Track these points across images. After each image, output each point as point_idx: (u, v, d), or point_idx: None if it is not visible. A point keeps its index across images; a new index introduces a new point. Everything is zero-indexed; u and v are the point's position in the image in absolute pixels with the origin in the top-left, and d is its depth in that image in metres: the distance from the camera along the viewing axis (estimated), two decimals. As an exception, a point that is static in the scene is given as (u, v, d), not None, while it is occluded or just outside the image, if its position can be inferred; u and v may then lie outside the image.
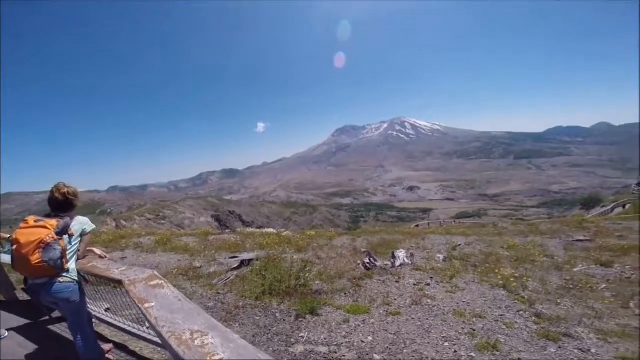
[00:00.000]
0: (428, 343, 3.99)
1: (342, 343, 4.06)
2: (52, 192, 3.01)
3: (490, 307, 5.00)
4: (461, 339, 4.07)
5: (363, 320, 4.64)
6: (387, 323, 4.55)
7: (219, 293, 5.87)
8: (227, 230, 18.31)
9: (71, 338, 3.27)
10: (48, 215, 2.99)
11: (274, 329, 4.48)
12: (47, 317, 4.59)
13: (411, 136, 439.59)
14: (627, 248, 8.53)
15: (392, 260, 7.46)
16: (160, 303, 2.16)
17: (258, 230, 17.63)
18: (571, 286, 5.85)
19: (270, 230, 18.10)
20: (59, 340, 4.10)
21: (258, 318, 4.82)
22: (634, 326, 4.29)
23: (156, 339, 3.30)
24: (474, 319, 4.60)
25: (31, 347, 3.89)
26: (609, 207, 32.43)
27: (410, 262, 7.48)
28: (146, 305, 2.16)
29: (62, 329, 4.30)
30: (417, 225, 30.68)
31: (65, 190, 3.01)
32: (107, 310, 4.21)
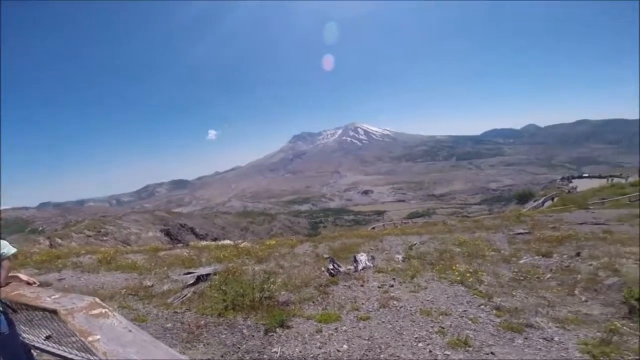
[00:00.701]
0: (403, 345, 4.00)
1: (318, 354, 3.93)
2: None
3: (453, 304, 5.19)
4: (433, 337, 4.14)
5: (335, 329, 4.54)
6: (360, 329, 4.50)
7: (176, 312, 5.40)
8: (179, 245, 17.15)
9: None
10: None
11: (244, 346, 4.20)
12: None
13: (364, 141, 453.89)
14: (560, 238, 9.50)
15: (354, 264, 7.48)
16: (107, 335, 1.85)
17: (213, 242, 16.76)
18: (521, 277, 6.31)
19: (227, 242, 17.33)
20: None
21: (224, 336, 4.48)
22: (584, 312, 4.72)
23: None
24: (441, 316, 4.73)
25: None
26: (540, 201, 36.22)
27: (372, 265, 7.56)
28: (90, 338, 1.83)
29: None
30: (373, 228, 31.50)
31: None
32: (47, 338, 3.56)
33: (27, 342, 3.20)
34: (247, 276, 6.59)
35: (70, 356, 3.26)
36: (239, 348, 4.16)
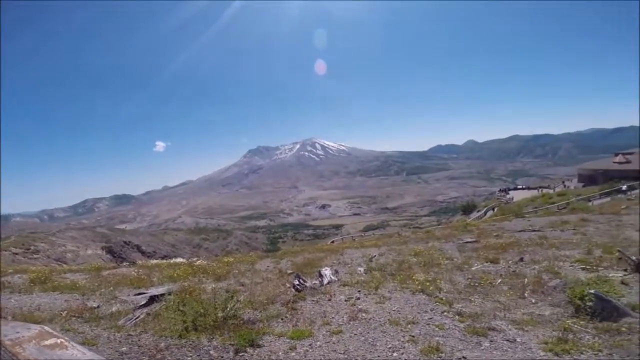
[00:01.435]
0: (378, 356, 4.00)
1: None
2: None
3: (418, 312, 5.34)
4: (406, 346, 4.19)
5: (310, 345, 4.41)
6: (334, 343, 4.42)
7: (130, 335, 4.88)
8: (124, 264, 15.72)
9: None
10: None
11: None
12: None
13: (321, 156, 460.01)
14: (504, 245, 10.33)
15: (319, 279, 7.43)
16: None
17: (164, 261, 15.66)
18: (475, 284, 6.71)
19: (179, 259, 16.29)
20: None
21: (190, 359, 4.12)
22: (537, 314, 5.10)
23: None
24: (409, 325, 4.83)
25: None
26: (483, 211, 39.22)
27: (336, 279, 7.57)
28: None
29: None
30: (332, 242, 31.69)
31: None
32: None
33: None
34: (207, 295, 6.20)
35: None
36: (209, 371, 3.85)
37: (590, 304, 4.65)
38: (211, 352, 4.27)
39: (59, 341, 1.83)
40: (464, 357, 3.86)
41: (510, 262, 8.30)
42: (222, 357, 4.15)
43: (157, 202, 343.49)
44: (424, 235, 16.00)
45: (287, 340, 4.56)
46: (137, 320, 5.55)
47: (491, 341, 4.26)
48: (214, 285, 7.77)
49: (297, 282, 7.03)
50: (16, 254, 35.65)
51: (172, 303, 5.77)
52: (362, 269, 8.63)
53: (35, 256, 35.90)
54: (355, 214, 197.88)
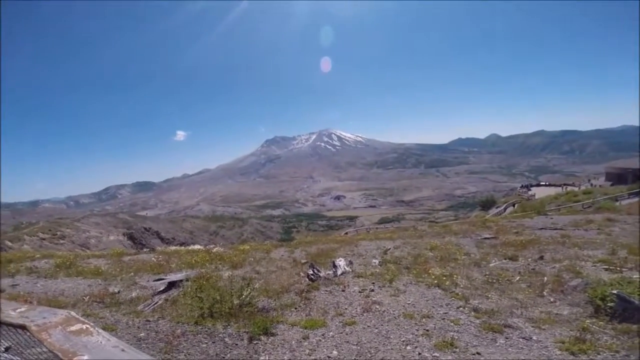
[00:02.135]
0: (392, 349, 4.01)
1: None
2: None
3: (433, 307, 5.29)
4: (420, 340, 4.19)
5: (322, 335, 4.45)
6: (347, 334, 4.45)
7: (148, 321, 5.06)
8: (144, 250, 16.29)
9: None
10: None
11: (228, 355, 3.99)
12: None
13: (337, 147, 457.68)
14: (524, 242, 10.03)
15: (333, 269, 7.46)
16: (96, 355, 1.63)
17: (182, 247, 16.11)
18: (492, 280, 6.57)
19: (197, 246, 16.72)
20: None
21: (205, 345, 4.23)
22: (554, 312, 4.97)
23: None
24: (424, 319, 4.80)
25: None
26: (502, 207, 38.20)
27: (350, 270, 7.58)
28: (76, 359, 1.61)
29: None
30: (346, 233, 31.72)
31: None
32: (7, 350, 3.17)
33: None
34: (223, 282, 6.34)
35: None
36: (223, 358, 3.96)
37: (611, 304, 4.51)
38: (226, 339, 4.37)
39: (84, 327, 1.89)
40: (478, 353, 3.82)
41: (529, 259, 8.07)
42: (236, 344, 4.24)
43: (177, 190, 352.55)
44: (440, 230, 15.75)
45: (300, 330, 4.62)
46: (155, 306, 5.76)
47: (507, 338, 4.20)
48: (230, 273, 7.94)
49: (311, 272, 7.09)
50: (43, 239, 37.58)
51: (189, 289, 5.94)
52: (376, 261, 8.61)
53: (61, 241, 37.76)
54: (370, 206, 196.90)
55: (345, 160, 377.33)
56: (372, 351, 3.98)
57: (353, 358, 3.85)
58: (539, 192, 46.56)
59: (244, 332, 4.51)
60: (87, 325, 1.92)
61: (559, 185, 53.01)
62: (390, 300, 5.66)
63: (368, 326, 4.68)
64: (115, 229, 57.70)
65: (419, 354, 3.86)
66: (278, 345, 4.20)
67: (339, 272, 7.28)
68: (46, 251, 17.22)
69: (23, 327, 1.99)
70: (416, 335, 4.33)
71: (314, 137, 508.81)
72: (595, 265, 7.18)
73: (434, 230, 16.48)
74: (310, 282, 6.72)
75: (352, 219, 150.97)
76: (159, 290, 6.69)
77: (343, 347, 4.13)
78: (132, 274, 8.50)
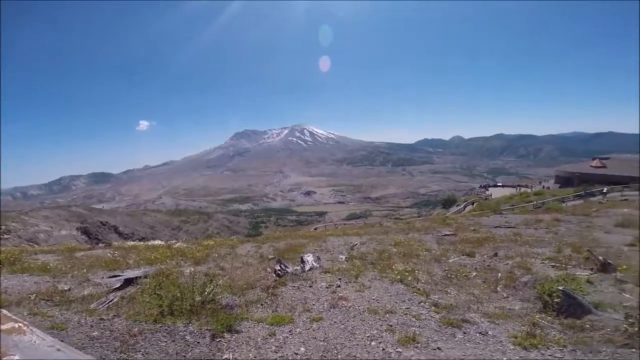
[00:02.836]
0: (357, 345, 4.05)
1: (275, 359, 3.78)
2: None
3: (396, 302, 5.45)
4: (383, 336, 4.27)
5: (290, 331, 4.42)
6: (314, 330, 4.46)
7: (102, 319, 4.76)
8: (100, 245, 15.29)
9: None
10: None
11: (189, 354, 3.84)
12: None
13: (309, 143, 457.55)
14: (481, 240, 10.62)
15: (301, 265, 7.45)
16: (28, 356, 1.49)
17: (142, 243, 15.35)
18: (451, 276, 6.89)
19: (158, 242, 16.01)
20: None
21: (164, 344, 4.04)
22: (507, 308, 5.29)
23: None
24: (387, 315, 4.92)
25: None
26: (462, 206, 40.30)
27: (318, 266, 7.60)
28: (6, 359, 1.46)
29: None
30: (315, 228, 31.90)
31: None
32: None
33: None
34: (184, 279, 6.11)
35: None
36: (184, 356, 3.80)
37: (557, 300, 4.85)
38: (187, 337, 4.21)
39: (16, 325, 1.72)
40: (438, 348, 3.97)
41: (485, 256, 8.55)
42: (198, 342, 4.09)
43: (137, 182, 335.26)
44: (404, 226, 16.28)
45: (267, 326, 4.56)
46: (110, 303, 5.43)
47: (464, 333, 4.39)
48: (192, 269, 7.67)
49: (279, 268, 7.03)
50: (-16, 233, 34.20)
51: (147, 286, 5.67)
52: (343, 257, 8.72)
53: (5, 236, 34.53)
54: (339, 202, 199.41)
55: (317, 156, 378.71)
56: (339, 347, 4.01)
57: (320, 354, 3.86)
58: (496, 193, 49.65)
59: (207, 329, 4.36)
60: (20, 324, 1.75)
61: (514, 187, 56.82)
62: (355, 295, 5.75)
63: (335, 322, 4.71)
64: (68, 222, 53.75)
65: (383, 349, 3.94)
66: (243, 343, 4.11)
67: (306, 268, 7.28)
68: (-13, 247, 15.66)
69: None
70: (380, 330, 4.42)
71: (286, 132, 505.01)
72: (543, 262, 7.76)
73: (399, 226, 16.99)
74: (278, 278, 6.66)
75: (321, 214, 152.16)
76: (114, 287, 6.32)
77: (310, 343, 4.13)
78: (84, 270, 7.95)
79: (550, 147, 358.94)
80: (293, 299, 5.69)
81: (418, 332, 4.35)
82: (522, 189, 48.31)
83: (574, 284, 5.39)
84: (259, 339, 4.20)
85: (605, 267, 6.70)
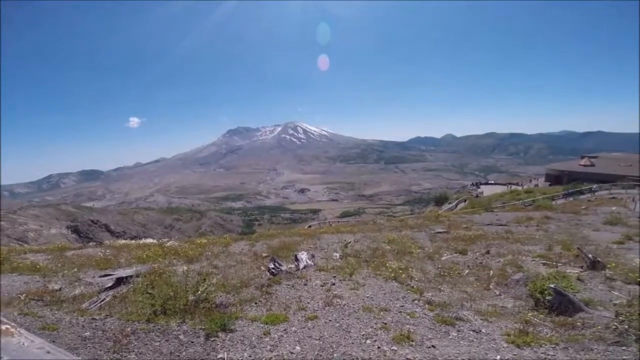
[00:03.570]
0: (352, 343, 4.06)
1: (270, 358, 3.75)
2: None
3: (390, 300, 5.47)
4: (378, 334, 4.29)
5: (285, 330, 4.40)
6: (309, 329, 4.45)
7: (94, 319, 4.69)
8: (90, 244, 15.07)
9: None
10: None
11: (183, 354, 3.80)
12: None
13: (302, 140, 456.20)
14: (473, 237, 10.75)
15: (296, 263, 7.44)
16: (16, 358, 1.45)
17: (133, 241, 15.17)
18: (444, 273, 6.95)
19: (150, 240, 15.84)
20: None
21: (158, 344, 3.99)
22: (500, 305, 5.35)
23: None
24: (382, 312, 4.94)
25: None
26: (454, 203, 40.59)
27: (312, 264, 7.60)
28: None
29: None
30: (309, 226, 31.85)
31: None
32: None
33: None
34: (177, 278, 6.05)
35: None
36: (178, 356, 3.75)
37: (549, 298, 4.92)
38: (180, 336, 4.16)
39: (4, 327, 1.68)
40: (433, 346, 3.99)
41: (477, 254, 8.65)
42: (192, 342, 4.05)
43: (128, 179, 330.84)
44: (397, 224, 16.38)
45: (261, 325, 4.53)
46: (102, 303, 5.35)
47: (458, 331, 4.43)
48: (185, 268, 7.59)
49: (273, 266, 7.01)
50: (-28, 231, 33.48)
51: (140, 285, 5.59)
52: (337, 255, 8.74)
53: (-7, 236, 33.88)
54: (333, 200, 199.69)
55: (310, 153, 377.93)
56: (334, 346, 4.02)
57: (316, 353, 3.85)
58: (487, 190, 50.17)
59: (200, 329, 4.32)
60: (8, 326, 1.70)
61: (505, 184, 57.49)
62: (350, 293, 5.76)
63: (329, 320, 4.72)
64: (58, 221, 52.95)
65: (378, 347, 3.95)
66: (237, 342, 4.08)
67: (301, 266, 7.28)
68: (-26, 246, 15.30)
69: None
70: (375, 328, 4.43)
71: (279, 129, 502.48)
72: (534, 260, 7.87)
73: (392, 224, 17.09)
74: (272, 277, 6.64)
75: (315, 212, 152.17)
76: (106, 286, 6.24)
77: (306, 342, 4.12)
78: (75, 269, 7.84)
79: (540, 145, 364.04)
80: (287, 297, 5.67)
81: (412, 330, 4.37)
82: (513, 187, 48.91)
83: (565, 282, 5.47)
84: (253, 338, 4.18)
85: (594, 265, 6.83)
